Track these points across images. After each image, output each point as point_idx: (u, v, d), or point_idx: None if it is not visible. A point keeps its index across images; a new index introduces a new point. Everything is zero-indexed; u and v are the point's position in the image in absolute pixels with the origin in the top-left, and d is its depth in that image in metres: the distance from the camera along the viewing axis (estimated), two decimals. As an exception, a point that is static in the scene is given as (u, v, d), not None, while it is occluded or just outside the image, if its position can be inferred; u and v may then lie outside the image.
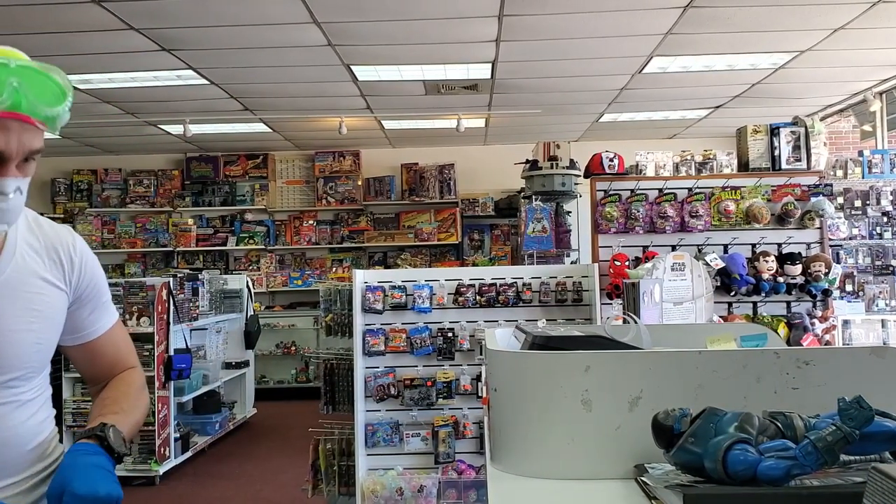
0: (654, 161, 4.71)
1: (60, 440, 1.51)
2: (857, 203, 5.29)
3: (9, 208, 1.23)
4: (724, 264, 4.29)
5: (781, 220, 4.47)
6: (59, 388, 5.49)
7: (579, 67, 6.24)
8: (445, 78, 6.49)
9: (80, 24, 4.91)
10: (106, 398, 1.49)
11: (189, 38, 5.28)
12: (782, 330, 4.28)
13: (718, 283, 4.30)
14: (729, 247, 4.49)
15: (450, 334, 4.25)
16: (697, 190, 4.51)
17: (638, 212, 4.46)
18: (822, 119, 7.51)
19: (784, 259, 4.38)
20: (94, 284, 1.47)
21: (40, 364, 1.39)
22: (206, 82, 6.39)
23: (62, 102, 1.23)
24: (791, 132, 4.60)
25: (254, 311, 7.77)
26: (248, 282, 7.66)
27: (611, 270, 4.30)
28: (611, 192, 4.53)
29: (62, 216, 9.06)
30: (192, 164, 9.65)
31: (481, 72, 6.30)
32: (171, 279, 5.92)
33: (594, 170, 4.65)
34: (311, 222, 9.58)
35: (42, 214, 1.50)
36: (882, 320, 4.91)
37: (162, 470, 5.57)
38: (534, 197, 4.98)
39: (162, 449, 5.57)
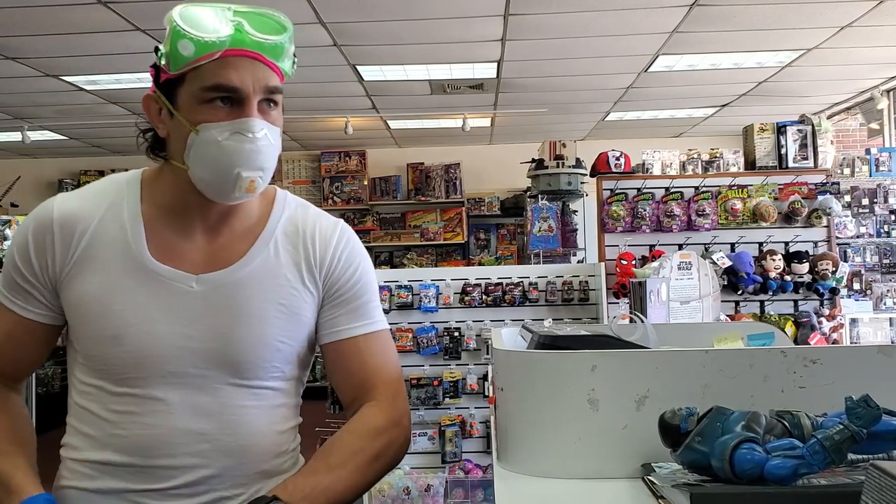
0: (661, 160, 4.70)
1: None
2: (865, 201, 5.26)
3: (258, 150, 1.19)
4: (730, 263, 4.27)
5: (788, 218, 4.45)
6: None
7: (585, 66, 6.24)
8: (451, 77, 6.49)
9: (86, 26, 4.93)
10: (323, 451, 1.28)
11: (195, 38, 5.29)
12: (790, 329, 4.26)
13: (725, 282, 4.28)
14: (736, 245, 4.47)
15: (456, 334, 4.25)
16: (704, 188, 4.50)
17: (644, 210, 4.45)
18: (829, 117, 7.49)
19: (791, 257, 4.37)
20: (352, 286, 1.33)
21: (284, 365, 1.28)
22: (212, 83, 6.40)
23: (282, 33, 1.22)
24: (798, 130, 4.58)
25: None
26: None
27: (617, 269, 4.29)
28: (617, 191, 4.52)
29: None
30: (199, 164, 9.67)
31: (487, 71, 6.30)
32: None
33: (600, 169, 4.64)
34: (317, 222, 9.58)
35: None
36: (890, 319, 4.88)
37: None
38: (540, 196, 4.97)
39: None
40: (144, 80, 6.27)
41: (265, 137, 1.20)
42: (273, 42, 1.20)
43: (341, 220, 1.38)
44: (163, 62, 1.21)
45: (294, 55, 1.27)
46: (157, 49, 1.23)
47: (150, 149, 1.28)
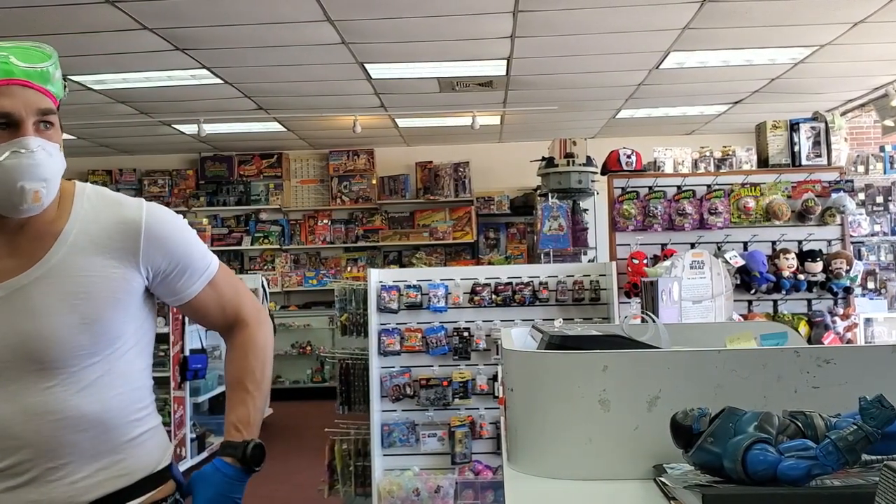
0: (673, 157, 4.67)
1: None
2: (879, 199, 5.23)
3: (37, 163, 1.32)
4: (743, 262, 4.25)
5: (802, 216, 4.42)
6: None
7: (595, 63, 6.21)
8: (460, 75, 6.48)
9: (94, 25, 4.94)
10: (233, 380, 1.58)
11: (203, 37, 5.30)
12: (803, 328, 4.23)
13: (738, 281, 4.25)
14: (748, 244, 4.45)
15: (465, 334, 4.24)
16: (716, 186, 4.47)
17: (656, 209, 4.43)
18: (843, 114, 7.43)
19: (805, 256, 4.33)
20: (172, 257, 1.49)
21: (94, 345, 1.40)
22: (220, 81, 6.42)
23: (46, 60, 1.36)
24: (811, 127, 4.55)
25: (269, 310, 7.80)
26: (263, 281, 7.68)
27: (629, 269, 4.26)
28: (628, 190, 4.50)
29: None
30: (207, 163, 9.70)
31: (496, 68, 6.28)
32: (186, 279, 5.94)
33: (611, 167, 4.62)
34: (325, 221, 9.60)
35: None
36: (904, 318, 4.84)
37: (179, 469, 5.60)
38: (550, 195, 4.95)
39: (178, 449, 5.60)
40: (152, 80, 6.32)
41: (41, 151, 1.33)
42: (39, 69, 1.35)
43: (143, 200, 1.51)
44: None
45: (64, 79, 1.42)
46: None
47: None
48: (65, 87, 1.41)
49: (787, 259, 4.28)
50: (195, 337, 5.92)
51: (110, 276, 1.42)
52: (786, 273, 4.28)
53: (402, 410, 4.25)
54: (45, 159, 1.33)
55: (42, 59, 1.36)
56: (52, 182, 1.36)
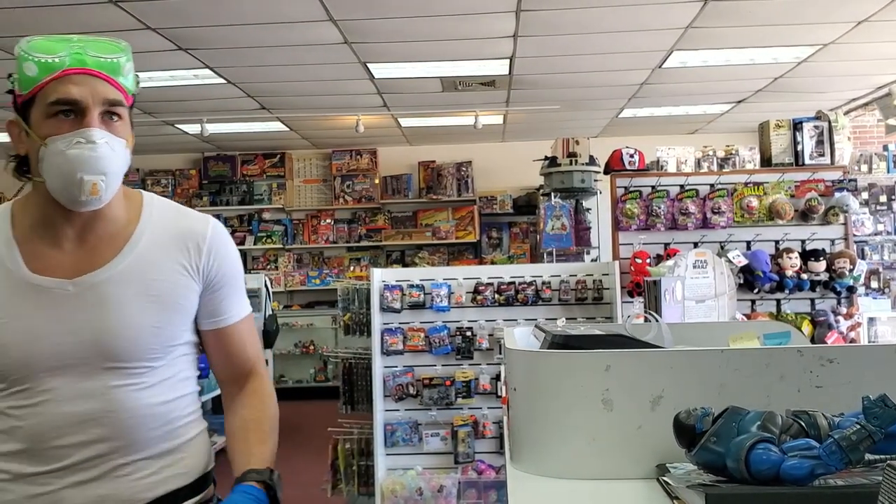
0: (676, 157, 4.66)
1: None
2: (882, 198, 5.22)
3: (98, 156, 1.33)
4: (746, 261, 4.24)
5: (805, 216, 4.41)
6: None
7: (598, 62, 6.21)
8: (462, 74, 6.47)
9: (96, 25, 4.94)
10: (249, 421, 1.56)
11: (205, 37, 5.31)
12: (806, 328, 4.23)
13: (741, 281, 4.25)
14: (752, 243, 4.44)
15: (468, 333, 4.24)
16: (719, 186, 4.46)
17: (659, 208, 4.42)
18: (846, 113, 7.42)
19: (808, 255, 4.33)
20: (225, 273, 1.53)
21: (162, 347, 1.45)
22: (223, 81, 6.42)
23: (118, 52, 1.38)
24: (814, 127, 4.54)
25: (272, 310, 7.80)
26: (266, 281, 7.69)
27: (632, 268, 4.26)
28: (631, 189, 4.49)
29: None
30: (210, 163, 9.71)
31: (499, 68, 6.28)
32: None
33: (614, 166, 4.61)
34: (328, 221, 9.60)
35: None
36: (908, 317, 4.83)
37: (183, 468, 5.60)
38: (553, 194, 4.95)
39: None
40: (155, 79, 6.32)
41: (105, 145, 1.34)
42: (110, 60, 1.37)
43: (211, 217, 1.56)
44: (16, 86, 1.38)
45: (136, 74, 1.44)
46: (10, 76, 1.39)
47: (16, 169, 1.44)
48: (137, 82, 1.43)
49: (790, 258, 4.27)
50: (198, 336, 5.92)
51: (176, 283, 1.46)
52: (789, 272, 4.27)
53: (405, 410, 4.26)
54: (107, 153, 1.34)
55: (114, 51, 1.38)
56: (111, 176, 1.36)
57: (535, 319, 3.78)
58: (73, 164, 1.32)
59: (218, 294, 1.53)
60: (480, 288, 4.26)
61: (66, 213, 1.40)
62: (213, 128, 7.93)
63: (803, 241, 4.43)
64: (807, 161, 4.51)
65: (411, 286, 4.27)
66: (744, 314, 4.24)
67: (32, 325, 1.38)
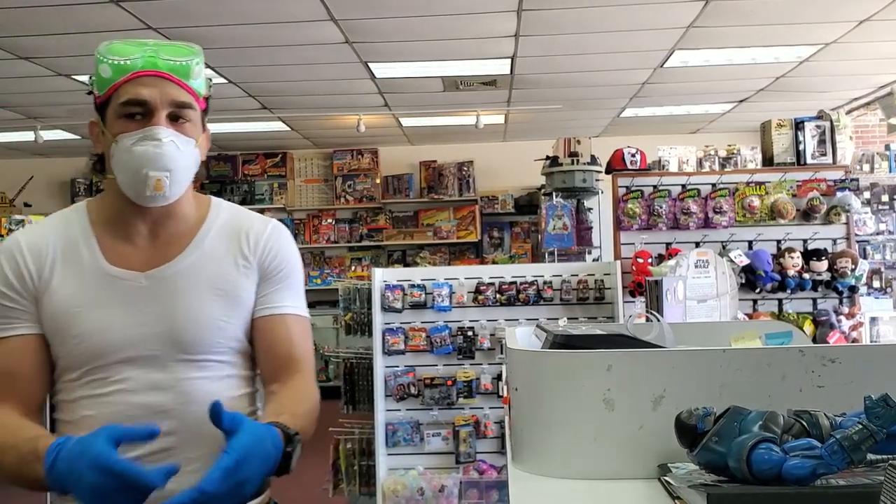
0: (677, 156, 4.66)
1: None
2: (885, 198, 5.22)
3: (163, 153, 1.37)
4: (748, 261, 4.24)
5: (807, 215, 4.41)
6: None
7: (600, 62, 6.20)
8: (464, 74, 6.47)
9: (98, 25, 4.95)
10: (286, 401, 1.47)
11: (206, 36, 5.31)
12: (808, 327, 4.22)
13: (743, 280, 4.25)
14: (754, 243, 4.44)
15: (470, 333, 4.24)
16: (721, 185, 4.46)
17: (661, 208, 4.42)
18: (848, 113, 7.41)
19: (810, 255, 4.32)
20: (280, 268, 1.55)
21: (227, 342, 1.48)
22: (224, 81, 6.42)
23: (190, 56, 1.44)
24: (816, 126, 4.54)
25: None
26: (268, 280, 7.70)
27: (633, 268, 4.26)
28: (633, 189, 4.49)
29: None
30: (211, 163, 9.71)
31: (500, 67, 6.28)
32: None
33: (616, 166, 4.61)
34: (329, 221, 9.61)
35: None
36: (910, 317, 4.82)
37: (184, 468, 5.60)
38: (554, 194, 4.94)
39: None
40: (158, 80, 6.32)
41: (171, 143, 1.39)
42: (181, 63, 1.42)
43: (273, 219, 1.62)
44: (94, 88, 1.44)
45: (209, 78, 1.50)
46: (90, 77, 1.45)
47: (95, 166, 1.51)
48: (210, 85, 1.49)
49: (792, 258, 4.27)
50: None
51: (238, 281, 1.50)
52: (791, 272, 4.27)
53: (407, 410, 4.25)
54: (172, 151, 1.38)
55: (186, 54, 1.43)
56: (177, 174, 1.40)
57: (537, 319, 3.78)
58: (139, 160, 1.37)
59: (272, 286, 1.54)
60: (482, 288, 4.25)
61: (138, 210, 1.44)
62: (214, 127, 7.84)
63: (805, 241, 4.43)
64: (808, 161, 4.51)
65: (412, 286, 4.27)
66: (745, 314, 4.24)
67: (107, 316, 1.42)
